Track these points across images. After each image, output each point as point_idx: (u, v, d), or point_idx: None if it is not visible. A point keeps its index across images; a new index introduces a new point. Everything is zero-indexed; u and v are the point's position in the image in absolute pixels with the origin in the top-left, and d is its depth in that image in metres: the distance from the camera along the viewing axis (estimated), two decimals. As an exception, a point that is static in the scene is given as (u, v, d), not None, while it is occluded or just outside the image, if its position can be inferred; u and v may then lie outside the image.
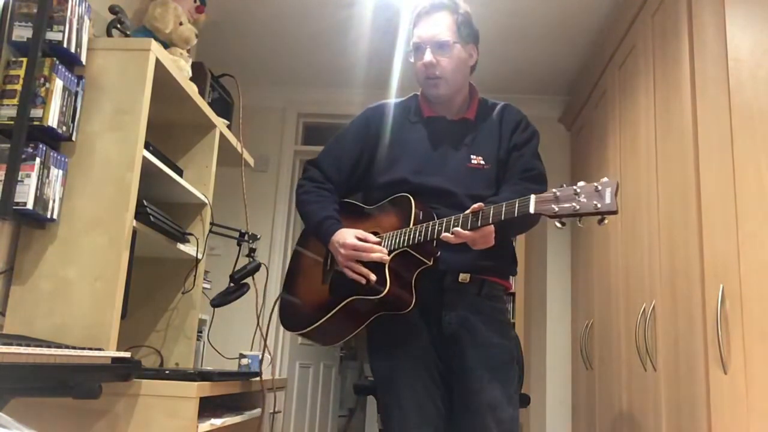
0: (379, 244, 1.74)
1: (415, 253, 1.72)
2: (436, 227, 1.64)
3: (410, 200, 1.75)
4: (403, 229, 1.72)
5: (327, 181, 1.93)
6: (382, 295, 1.66)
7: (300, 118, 4.04)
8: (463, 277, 1.77)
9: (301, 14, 3.09)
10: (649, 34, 2.38)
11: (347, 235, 1.76)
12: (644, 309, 2.22)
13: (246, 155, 2.76)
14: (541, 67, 3.47)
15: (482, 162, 1.84)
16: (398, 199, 1.80)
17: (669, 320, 2.05)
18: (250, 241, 2.44)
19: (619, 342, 2.55)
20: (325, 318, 1.77)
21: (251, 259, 2.39)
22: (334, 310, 1.75)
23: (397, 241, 1.72)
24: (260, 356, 2.45)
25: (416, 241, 1.68)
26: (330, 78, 3.74)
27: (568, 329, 3.55)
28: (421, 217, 1.72)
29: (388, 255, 1.70)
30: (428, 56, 1.81)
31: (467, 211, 1.60)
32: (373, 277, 1.68)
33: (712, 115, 1.87)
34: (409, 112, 1.93)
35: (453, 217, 1.62)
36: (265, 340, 2.42)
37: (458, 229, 1.59)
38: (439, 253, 1.73)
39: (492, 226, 1.60)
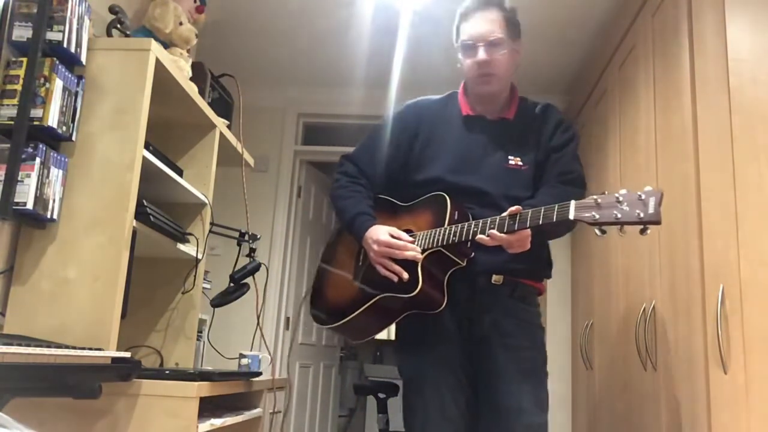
0: (413, 242, 1.73)
1: (448, 253, 1.70)
2: (472, 228, 1.63)
3: (446, 199, 1.74)
4: (438, 229, 1.70)
5: (362, 176, 1.93)
6: (413, 293, 1.66)
7: (300, 118, 4.04)
8: (497, 278, 1.75)
9: (301, 14, 3.09)
10: (649, 34, 2.37)
11: (381, 232, 1.75)
12: (644, 309, 2.22)
13: (246, 155, 2.76)
14: (541, 67, 3.46)
15: (520, 163, 1.82)
16: (434, 197, 1.79)
17: (669, 320, 2.05)
18: (250, 241, 2.44)
19: (619, 342, 2.55)
20: (355, 314, 1.77)
21: (251, 259, 2.39)
22: (364, 306, 1.75)
23: (431, 240, 1.70)
24: (263, 355, 2.45)
25: (451, 241, 1.66)
26: (330, 78, 3.74)
27: (568, 329, 3.55)
28: (456, 217, 1.71)
29: (422, 254, 1.69)
30: (483, 54, 1.79)
31: (504, 214, 1.58)
32: (405, 275, 1.68)
33: (712, 115, 1.87)
34: (448, 110, 1.92)
35: (489, 219, 1.61)
36: (267, 341, 2.42)
37: (494, 231, 1.57)
38: (473, 254, 1.72)
39: (529, 229, 1.57)
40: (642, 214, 1.37)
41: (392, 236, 1.73)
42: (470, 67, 1.83)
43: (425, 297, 1.68)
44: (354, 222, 1.83)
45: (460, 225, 1.66)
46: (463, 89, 1.94)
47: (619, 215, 1.39)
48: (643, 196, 1.38)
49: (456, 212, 1.72)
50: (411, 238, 1.74)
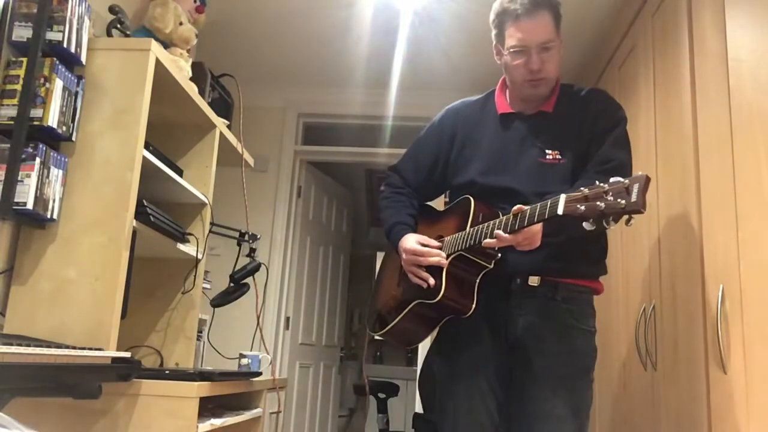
0: (440, 248, 1.72)
1: (472, 257, 1.68)
2: (482, 230, 1.62)
3: (470, 202, 1.73)
4: (461, 232, 1.70)
5: (405, 186, 1.95)
6: (437, 299, 1.66)
7: (300, 118, 4.04)
8: (533, 279, 1.71)
9: (301, 14, 3.09)
10: (649, 34, 2.37)
11: (409, 241, 1.77)
12: (644, 309, 2.22)
13: (246, 155, 2.76)
14: (541, 67, 3.46)
15: (558, 156, 1.75)
16: (461, 201, 1.78)
17: (669, 320, 2.05)
18: (250, 241, 2.44)
19: (619, 342, 2.55)
20: (395, 322, 1.79)
21: (251, 259, 2.39)
22: (402, 314, 1.77)
23: (455, 244, 1.70)
24: (263, 355, 2.45)
25: (468, 245, 1.65)
26: (330, 78, 3.74)
27: (568, 329, 3.53)
28: (480, 219, 1.68)
29: (446, 258, 1.68)
30: (536, 62, 1.72)
31: (510, 213, 1.55)
32: (432, 281, 1.68)
33: (712, 115, 1.87)
34: (485, 111, 1.89)
35: (497, 219, 1.59)
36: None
37: (499, 232, 1.54)
38: (499, 255, 1.68)
39: (538, 226, 1.53)
40: (624, 203, 1.30)
41: (420, 243, 1.74)
42: (517, 70, 1.76)
43: (450, 302, 1.67)
44: (390, 233, 1.86)
45: (475, 227, 1.65)
46: (500, 86, 1.90)
47: (602, 206, 1.33)
48: (629, 183, 1.31)
49: (481, 214, 1.70)
50: (438, 244, 1.74)
